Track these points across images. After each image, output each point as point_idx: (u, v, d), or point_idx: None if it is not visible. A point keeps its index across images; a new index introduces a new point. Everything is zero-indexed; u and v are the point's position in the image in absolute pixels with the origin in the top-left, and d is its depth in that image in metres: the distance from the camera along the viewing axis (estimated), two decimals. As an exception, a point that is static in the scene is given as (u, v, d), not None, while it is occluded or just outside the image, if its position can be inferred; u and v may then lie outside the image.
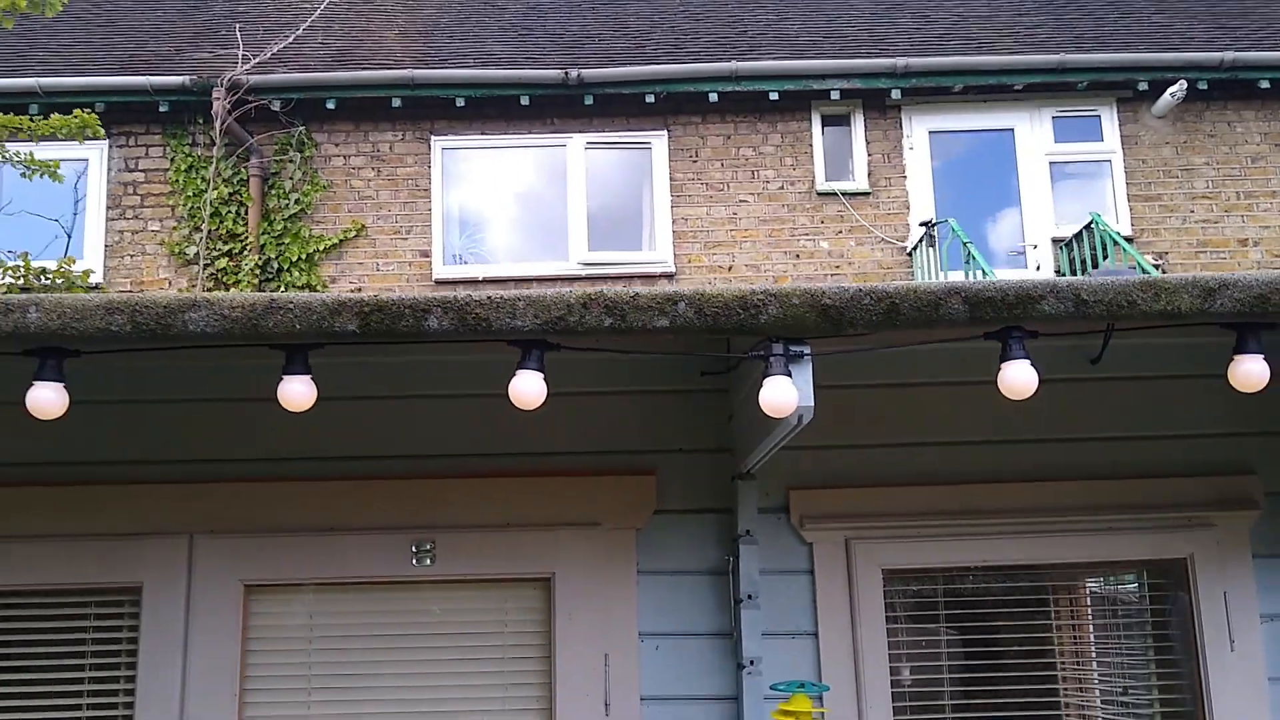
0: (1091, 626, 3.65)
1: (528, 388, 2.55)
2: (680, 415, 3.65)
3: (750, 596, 3.41)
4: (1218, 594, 3.40)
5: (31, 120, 5.94)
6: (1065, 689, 3.56)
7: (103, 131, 7.63)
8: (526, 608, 3.60)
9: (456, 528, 3.58)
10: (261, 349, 2.72)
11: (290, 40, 10.85)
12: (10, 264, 6.87)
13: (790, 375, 2.49)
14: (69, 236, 10.13)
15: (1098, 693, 3.57)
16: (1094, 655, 3.62)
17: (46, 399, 2.51)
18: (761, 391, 2.48)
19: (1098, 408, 3.63)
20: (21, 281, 6.94)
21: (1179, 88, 9.89)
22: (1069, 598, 3.67)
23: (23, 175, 6.02)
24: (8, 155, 5.73)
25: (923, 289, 2.41)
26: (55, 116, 5.98)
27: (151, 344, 2.52)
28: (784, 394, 2.44)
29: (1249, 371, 2.52)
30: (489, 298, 2.44)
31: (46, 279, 6.93)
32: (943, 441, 3.61)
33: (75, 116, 5.98)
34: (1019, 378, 2.51)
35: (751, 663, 3.36)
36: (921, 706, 3.51)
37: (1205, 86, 9.98)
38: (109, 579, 3.53)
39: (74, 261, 7.41)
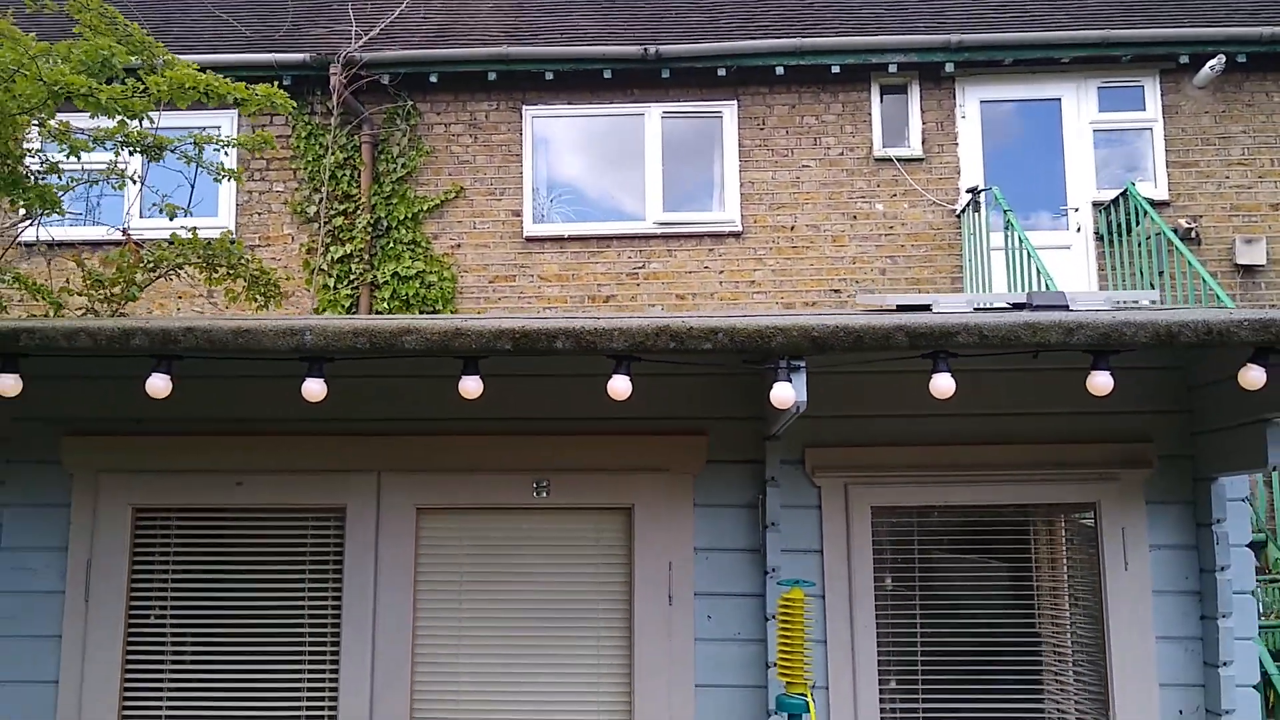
0: (1031, 552, 4.67)
1: (619, 387, 3.74)
2: (727, 393, 4.61)
3: (774, 524, 4.48)
4: (1118, 529, 4.46)
5: (224, 139, 7.06)
6: (1005, 595, 4.62)
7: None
8: (613, 528, 4.63)
9: (565, 470, 4.62)
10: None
11: (395, 16, 11.85)
12: (184, 238, 7.71)
13: (791, 381, 3.62)
14: (191, 188, 11.28)
15: (1033, 599, 4.64)
16: (1030, 573, 4.65)
17: (316, 390, 3.79)
18: (771, 392, 3.64)
19: (1037, 389, 4.57)
20: (191, 252, 7.82)
21: (1218, 61, 10.25)
22: (1011, 530, 4.68)
23: (215, 180, 7.18)
24: (205, 165, 6.96)
25: (878, 325, 3.54)
26: (242, 134, 7.14)
27: (381, 355, 3.74)
28: (786, 393, 3.58)
29: (1099, 383, 3.65)
30: (597, 328, 3.56)
31: (211, 250, 7.96)
32: (919, 414, 4.53)
33: (258, 135, 7.12)
34: (942, 384, 3.65)
35: (773, 570, 4.44)
36: (898, 606, 4.58)
37: (1245, 59, 10.27)
38: (323, 501, 4.64)
39: (231, 234, 8.46)
